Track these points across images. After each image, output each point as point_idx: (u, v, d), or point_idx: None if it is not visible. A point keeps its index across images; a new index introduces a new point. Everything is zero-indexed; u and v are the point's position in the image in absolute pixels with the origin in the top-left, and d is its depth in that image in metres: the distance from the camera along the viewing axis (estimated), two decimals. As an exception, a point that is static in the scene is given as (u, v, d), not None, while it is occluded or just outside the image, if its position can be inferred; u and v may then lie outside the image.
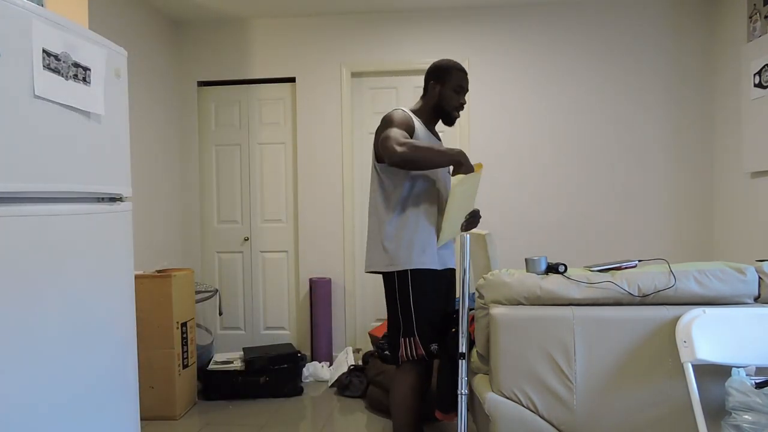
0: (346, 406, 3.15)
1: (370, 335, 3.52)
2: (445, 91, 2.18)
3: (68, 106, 1.54)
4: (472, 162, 2.30)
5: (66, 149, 1.54)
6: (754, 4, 3.32)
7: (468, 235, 2.02)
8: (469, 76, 3.91)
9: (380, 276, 2.36)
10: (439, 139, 2.32)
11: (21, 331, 1.36)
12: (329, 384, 3.52)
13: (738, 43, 3.48)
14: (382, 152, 1.97)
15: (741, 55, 3.42)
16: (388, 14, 3.98)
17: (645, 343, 1.76)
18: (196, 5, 3.79)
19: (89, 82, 1.63)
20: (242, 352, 3.46)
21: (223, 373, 3.29)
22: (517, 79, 3.92)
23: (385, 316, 3.87)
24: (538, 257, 1.95)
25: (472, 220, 2.20)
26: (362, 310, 4.09)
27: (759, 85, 3.23)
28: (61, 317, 1.51)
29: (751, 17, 3.35)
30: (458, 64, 2.20)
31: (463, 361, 1.94)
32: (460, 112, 2.24)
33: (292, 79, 4.08)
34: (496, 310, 1.85)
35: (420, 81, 3.81)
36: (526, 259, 1.97)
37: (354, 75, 4.04)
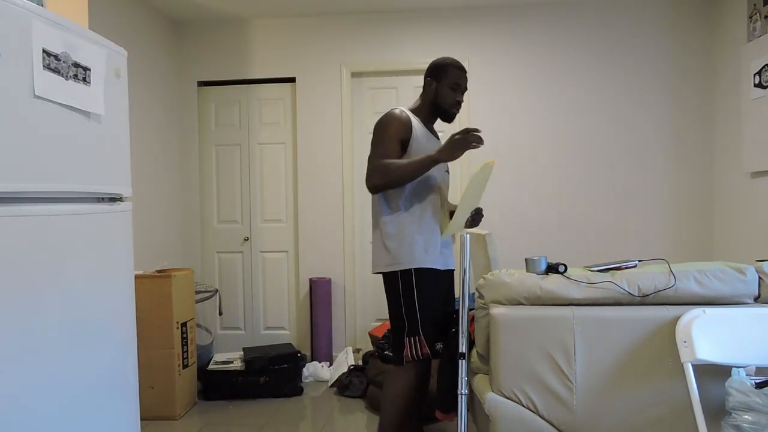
0: (346, 406, 3.15)
1: (370, 335, 3.52)
2: (441, 88, 2.17)
3: (68, 106, 1.54)
4: (485, 159, 2.31)
5: (66, 149, 1.54)
6: (754, 4, 3.32)
7: (468, 235, 2.02)
8: (469, 76, 3.93)
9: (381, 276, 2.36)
10: (438, 138, 2.31)
11: (21, 331, 1.36)
12: (329, 384, 3.52)
13: (738, 43, 3.48)
14: (366, 181, 2.08)
15: (741, 55, 3.42)
16: (388, 14, 3.98)
17: (645, 343, 1.76)
18: (196, 5, 3.79)
19: (89, 82, 1.63)
20: (242, 352, 3.46)
21: (223, 373, 3.29)
22: (517, 79, 3.92)
23: (386, 316, 3.87)
24: (538, 257, 1.95)
25: (477, 216, 2.22)
26: (362, 310, 4.09)
27: (759, 85, 3.23)
28: (61, 317, 1.51)
29: (751, 17, 3.35)
30: (456, 61, 2.19)
31: (463, 361, 1.94)
32: (458, 110, 2.23)
33: (292, 79, 4.08)
34: (496, 310, 1.85)
35: (420, 81, 3.82)
36: (526, 259, 1.97)
37: (354, 75, 4.04)
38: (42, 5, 1.64)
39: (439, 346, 2.08)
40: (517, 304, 1.87)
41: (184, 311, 3.07)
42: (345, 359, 3.61)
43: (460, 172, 3.95)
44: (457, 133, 1.96)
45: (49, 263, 1.46)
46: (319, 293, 3.88)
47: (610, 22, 3.86)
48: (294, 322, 4.14)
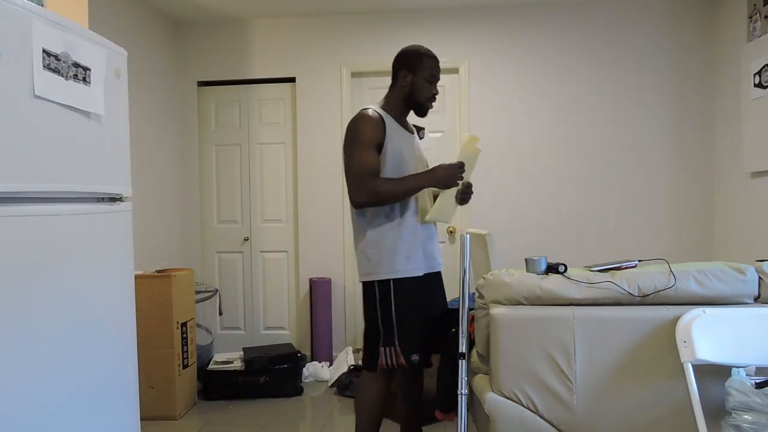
0: (346, 406, 3.15)
1: (370, 335, 3.51)
2: (417, 81, 2.05)
3: (68, 106, 1.54)
4: (468, 134, 2.19)
5: (66, 149, 1.54)
6: (754, 4, 3.32)
7: (468, 235, 2.02)
8: (469, 76, 3.93)
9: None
10: (412, 132, 2.21)
11: (21, 331, 1.36)
12: (329, 384, 3.52)
13: (738, 43, 3.48)
14: (348, 192, 2.00)
15: (741, 55, 3.42)
16: (388, 14, 3.98)
17: (645, 343, 1.76)
18: (196, 5, 3.79)
19: (89, 82, 1.63)
20: (242, 352, 3.46)
21: (223, 373, 3.29)
22: (517, 79, 3.92)
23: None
24: (538, 257, 1.95)
25: (467, 193, 2.10)
26: (362, 310, 4.08)
27: (759, 85, 3.23)
28: (61, 317, 1.51)
29: (751, 17, 3.35)
30: (429, 50, 2.06)
31: (463, 361, 1.94)
32: (434, 103, 2.11)
33: (292, 79, 4.08)
34: (496, 310, 1.85)
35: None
36: (526, 259, 1.97)
37: (354, 75, 4.04)
38: (42, 5, 1.64)
39: (414, 357, 2.02)
40: (517, 304, 1.87)
41: (184, 311, 3.07)
42: (345, 359, 3.61)
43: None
44: (446, 167, 1.98)
45: (49, 263, 1.46)
46: (319, 293, 3.88)
47: (610, 22, 3.86)
48: (294, 322, 4.14)
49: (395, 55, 2.13)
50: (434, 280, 2.18)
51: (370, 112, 2.01)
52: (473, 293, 2.09)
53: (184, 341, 3.06)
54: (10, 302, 1.33)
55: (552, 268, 1.92)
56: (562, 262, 1.92)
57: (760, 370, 1.67)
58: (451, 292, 3.93)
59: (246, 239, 4.15)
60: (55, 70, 1.48)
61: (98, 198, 1.74)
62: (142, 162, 3.58)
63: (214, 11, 3.91)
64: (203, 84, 4.16)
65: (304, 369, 3.59)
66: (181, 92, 4.13)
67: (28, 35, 1.39)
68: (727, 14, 3.62)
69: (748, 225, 3.43)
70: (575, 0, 3.86)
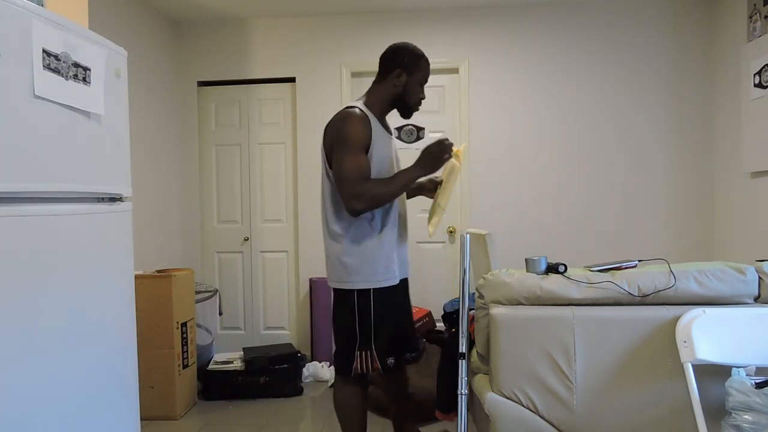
0: (346, 406, 3.15)
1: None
2: (411, 82, 1.97)
3: (68, 106, 1.54)
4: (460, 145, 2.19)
5: (66, 149, 1.54)
6: (754, 4, 3.32)
7: (468, 235, 2.01)
8: (469, 76, 3.94)
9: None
10: (391, 133, 2.12)
11: (21, 331, 1.36)
12: (329, 384, 3.52)
13: (738, 43, 3.48)
14: (341, 197, 1.89)
15: (741, 55, 3.42)
16: (388, 14, 3.98)
17: (645, 343, 1.76)
18: (196, 5, 3.79)
19: (89, 82, 1.63)
20: (242, 352, 3.46)
21: (223, 373, 3.29)
22: (517, 79, 3.92)
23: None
24: (538, 257, 1.94)
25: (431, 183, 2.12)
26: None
27: (759, 85, 3.23)
28: (61, 317, 1.51)
29: (751, 17, 3.35)
30: (423, 52, 1.99)
31: (463, 361, 1.94)
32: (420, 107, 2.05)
33: (292, 79, 4.08)
34: (496, 310, 1.85)
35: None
36: (526, 259, 1.97)
37: (354, 75, 4.04)
38: (42, 5, 1.64)
39: (390, 361, 2.01)
40: (517, 304, 1.87)
41: (184, 311, 3.07)
42: (345, 359, 3.61)
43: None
44: (432, 146, 1.89)
45: (49, 263, 1.46)
46: (319, 293, 3.88)
47: (610, 22, 3.86)
48: (294, 322, 4.14)
49: (388, 48, 2.02)
50: (405, 285, 2.16)
51: (357, 111, 1.91)
52: (473, 293, 2.09)
53: (184, 341, 3.06)
54: (11, 302, 1.33)
55: (552, 268, 1.92)
56: (562, 262, 1.92)
57: (760, 370, 1.67)
58: (452, 292, 3.94)
59: (246, 239, 4.15)
60: (55, 70, 1.48)
61: (98, 198, 1.74)
62: (142, 162, 3.58)
63: (214, 11, 3.91)
64: (203, 84, 4.16)
65: (304, 369, 3.59)
66: (181, 92, 4.13)
67: (28, 35, 1.39)
68: (727, 14, 3.62)
69: (748, 225, 3.43)
70: (575, 0, 3.86)
